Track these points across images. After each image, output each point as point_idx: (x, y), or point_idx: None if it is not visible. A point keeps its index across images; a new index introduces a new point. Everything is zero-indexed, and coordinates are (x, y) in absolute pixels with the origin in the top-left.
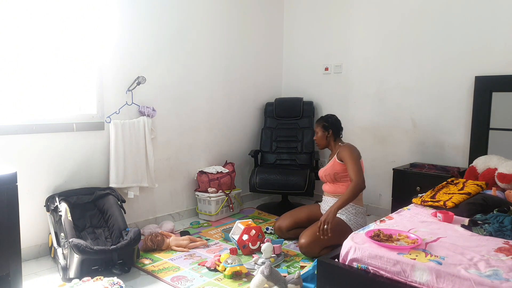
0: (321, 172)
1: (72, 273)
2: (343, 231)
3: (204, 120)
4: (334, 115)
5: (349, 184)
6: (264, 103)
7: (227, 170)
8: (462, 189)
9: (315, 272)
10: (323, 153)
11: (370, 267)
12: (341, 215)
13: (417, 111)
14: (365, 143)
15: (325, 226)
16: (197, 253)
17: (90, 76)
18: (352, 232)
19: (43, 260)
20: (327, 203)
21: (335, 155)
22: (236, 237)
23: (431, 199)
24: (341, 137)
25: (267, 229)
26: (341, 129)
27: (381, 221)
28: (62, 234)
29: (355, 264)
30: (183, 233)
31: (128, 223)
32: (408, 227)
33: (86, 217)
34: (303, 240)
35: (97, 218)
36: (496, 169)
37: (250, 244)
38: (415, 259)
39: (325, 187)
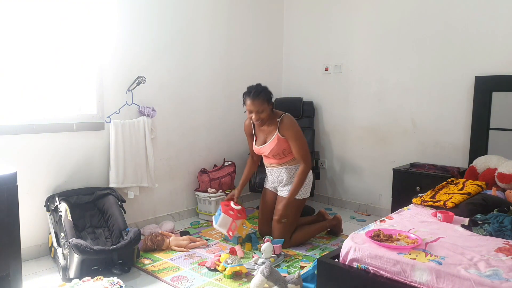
0: (264, 150)
1: (72, 273)
2: (292, 209)
3: (204, 120)
4: (259, 84)
5: (293, 154)
6: None
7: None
8: (462, 189)
9: (315, 272)
10: (323, 153)
11: (370, 267)
12: (285, 193)
13: (417, 111)
14: (365, 143)
15: (284, 220)
16: (197, 253)
17: (90, 76)
18: (301, 202)
19: (43, 260)
20: (273, 175)
21: (277, 131)
22: (224, 230)
23: (431, 199)
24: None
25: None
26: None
27: (381, 221)
28: (62, 234)
29: (355, 264)
30: (183, 233)
31: (128, 223)
32: (408, 227)
33: (86, 217)
34: (274, 236)
35: (97, 218)
36: (496, 169)
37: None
38: (415, 259)
39: (269, 160)
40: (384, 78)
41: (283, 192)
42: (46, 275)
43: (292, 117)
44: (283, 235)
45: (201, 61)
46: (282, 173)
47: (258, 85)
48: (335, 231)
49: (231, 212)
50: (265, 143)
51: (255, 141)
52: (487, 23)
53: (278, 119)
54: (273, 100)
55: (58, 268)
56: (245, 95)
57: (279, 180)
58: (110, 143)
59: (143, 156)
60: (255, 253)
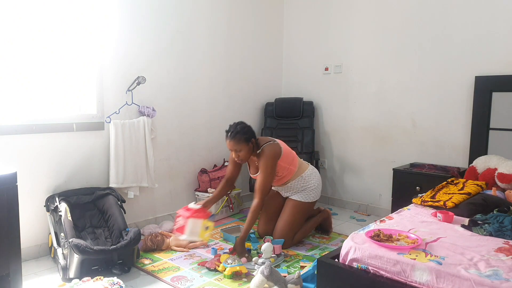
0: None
1: (72, 273)
2: (302, 211)
3: (204, 120)
4: (240, 122)
5: (291, 168)
6: (264, 103)
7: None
8: (462, 189)
9: (315, 272)
10: (323, 153)
11: (370, 267)
12: (297, 197)
13: (417, 111)
14: (365, 143)
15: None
16: (197, 253)
17: (90, 76)
18: (311, 205)
19: (43, 260)
20: (283, 191)
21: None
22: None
23: (431, 199)
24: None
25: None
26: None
27: (381, 221)
28: (62, 234)
29: (355, 264)
30: None
31: (128, 223)
32: (408, 227)
33: (86, 217)
34: (276, 236)
35: (97, 218)
36: (496, 169)
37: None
38: (415, 259)
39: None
40: (384, 78)
41: (295, 196)
42: (46, 275)
43: (275, 147)
44: (285, 235)
45: (201, 61)
46: (290, 188)
47: (237, 124)
48: (325, 228)
49: (186, 213)
50: (258, 171)
51: (249, 169)
52: (487, 23)
53: (263, 147)
54: (253, 137)
55: (58, 268)
56: (226, 133)
57: (289, 193)
58: (110, 143)
59: (143, 156)
60: (258, 253)
